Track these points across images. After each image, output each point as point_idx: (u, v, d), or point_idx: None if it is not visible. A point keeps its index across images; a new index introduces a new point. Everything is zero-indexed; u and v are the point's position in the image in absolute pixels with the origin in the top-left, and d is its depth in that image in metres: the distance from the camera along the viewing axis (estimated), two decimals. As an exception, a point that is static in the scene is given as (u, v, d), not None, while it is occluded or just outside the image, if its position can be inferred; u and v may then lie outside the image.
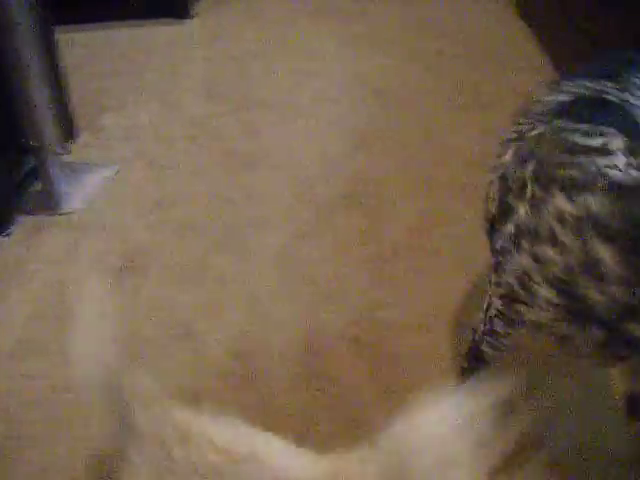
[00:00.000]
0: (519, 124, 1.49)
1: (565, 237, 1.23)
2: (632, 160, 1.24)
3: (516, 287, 1.34)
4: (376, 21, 3.97)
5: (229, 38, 3.89)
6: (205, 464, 0.99)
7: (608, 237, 1.20)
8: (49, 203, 2.54)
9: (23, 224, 2.46)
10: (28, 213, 2.50)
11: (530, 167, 1.33)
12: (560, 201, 1.24)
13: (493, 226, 1.44)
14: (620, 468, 1.58)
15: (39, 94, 2.39)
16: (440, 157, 2.71)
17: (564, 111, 1.42)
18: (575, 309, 1.27)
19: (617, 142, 1.28)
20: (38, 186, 2.60)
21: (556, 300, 1.28)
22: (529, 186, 1.31)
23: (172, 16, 4.06)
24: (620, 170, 1.23)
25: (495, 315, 1.44)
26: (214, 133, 2.99)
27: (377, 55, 3.57)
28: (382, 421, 0.98)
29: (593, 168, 1.24)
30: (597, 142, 1.29)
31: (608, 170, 1.23)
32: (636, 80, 1.52)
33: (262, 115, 3.12)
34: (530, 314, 1.35)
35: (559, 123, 1.39)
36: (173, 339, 1.99)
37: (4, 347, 1.98)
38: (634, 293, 1.21)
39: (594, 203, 1.21)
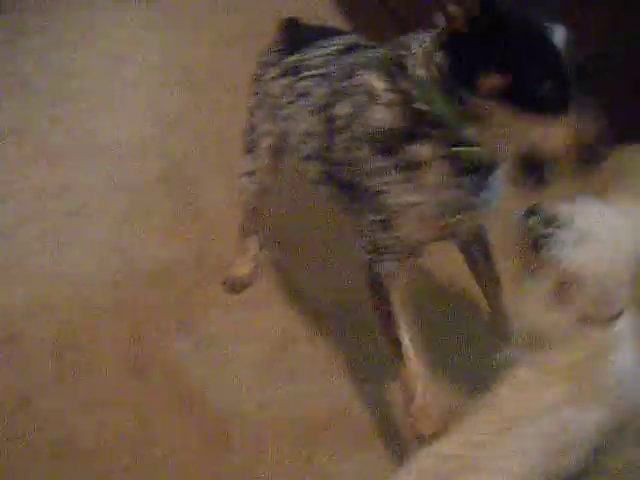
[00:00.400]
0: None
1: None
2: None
3: None
4: (185, 3, 3.96)
5: (34, 31, 3.75)
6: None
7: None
8: None
9: None
10: None
11: None
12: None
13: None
14: None
15: None
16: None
17: None
18: None
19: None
20: None
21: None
22: None
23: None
24: None
25: None
26: (23, 129, 2.91)
27: (186, 37, 3.58)
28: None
29: None
30: None
31: None
32: None
33: (72, 105, 3.06)
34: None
35: None
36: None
37: None
38: None
39: None
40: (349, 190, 1.51)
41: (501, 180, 1.44)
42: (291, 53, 1.74)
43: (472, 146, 1.33)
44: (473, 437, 1.22)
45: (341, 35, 1.76)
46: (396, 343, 1.48)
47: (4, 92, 3.18)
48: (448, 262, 1.89)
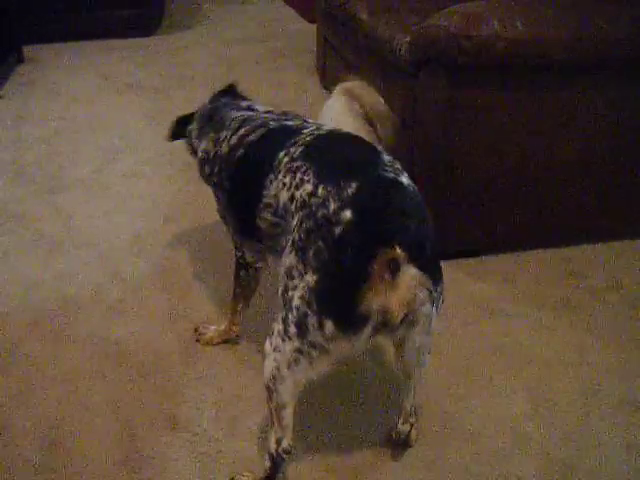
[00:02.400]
0: None
1: None
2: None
3: None
4: (185, 97, 4.09)
5: (36, 118, 3.87)
6: None
7: None
8: None
9: None
10: None
11: None
12: None
13: None
14: None
15: None
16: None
17: None
18: None
19: None
20: None
21: None
22: None
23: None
24: None
25: None
26: (21, 217, 2.96)
27: (185, 131, 3.68)
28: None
29: None
30: None
31: None
32: None
33: (71, 195, 3.13)
34: None
35: None
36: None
37: None
38: None
39: None
40: None
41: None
42: None
43: None
44: None
45: None
46: None
47: (5, 179, 3.25)
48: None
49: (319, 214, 1.50)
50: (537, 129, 2.45)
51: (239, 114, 2.07)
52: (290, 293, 1.52)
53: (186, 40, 5.02)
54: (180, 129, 2.34)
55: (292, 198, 1.61)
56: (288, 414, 1.64)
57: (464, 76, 2.31)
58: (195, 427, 1.96)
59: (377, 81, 2.92)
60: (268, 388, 1.62)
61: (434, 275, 1.49)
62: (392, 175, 1.55)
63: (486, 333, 2.31)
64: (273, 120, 1.94)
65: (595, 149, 2.55)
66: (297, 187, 1.60)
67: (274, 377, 1.58)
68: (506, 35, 2.21)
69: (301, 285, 1.49)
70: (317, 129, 1.78)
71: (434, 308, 1.53)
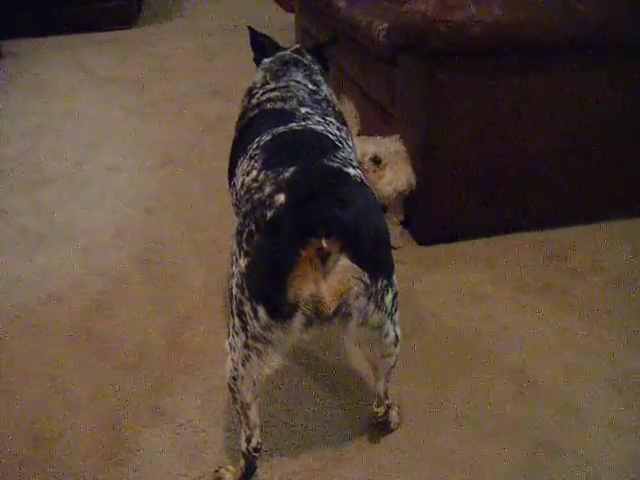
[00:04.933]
0: None
1: None
2: None
3: None
4: (165, 89, 4.08)
5: (16, 113, 3.84)
6: None
7: None
8: None
9: None
10: None
11: None
12: None
13: None
14: None
15: None
16: (223, 218, 2.82)
17: None
18: None
19: None
20: None
21: None
22: None
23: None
24: None
25: None
26: (3, 212, 2.94)
27: (165, 121, 3.68)
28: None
29: None
30: None
31: None
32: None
33: (52, 189, 3.11)
34: None
35: None
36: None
37: None
38: None
39: None
40: None
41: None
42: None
43: None
44: None
45: None
46: None
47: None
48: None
49: (255, 197, 1.47)
50: (517, 112, 2.45)
51: (290, 80, 1.99)
52: (231, 282, 1.50)
53: (166, 31, 5.00)
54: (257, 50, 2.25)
55: (242, 184, 1.60)
56: (254, 412, 1.65)
57: (442, 61, 2.31)
58: (180, 418, 1.96)
59: (356, 69, 2.93)
60: (230, 389, 1.62)
61: (374, 269, 1.44)
62: (337, 165, 1.52)
63: (468, 317, 2.32)
64: (295, 103, 1.85)
65: (575, 132, 2.56)
66: (247, 174, 1.59)
67: (234, 377, 1.58)
68: (483, 19, 2.21)
69: (237, 271, 1.47)
70: (301, 127, 1.72)
71: (372, 303, 1.47)
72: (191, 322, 2.30)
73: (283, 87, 1.95)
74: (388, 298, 1.52)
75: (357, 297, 1.44)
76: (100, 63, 4.47)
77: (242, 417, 1.67)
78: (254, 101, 1.94)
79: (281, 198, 1.41)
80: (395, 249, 2.62)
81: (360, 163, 2.53)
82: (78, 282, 2.51)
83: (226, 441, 1.89)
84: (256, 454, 1.69)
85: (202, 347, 2.20)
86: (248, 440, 1.68)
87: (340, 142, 1.70)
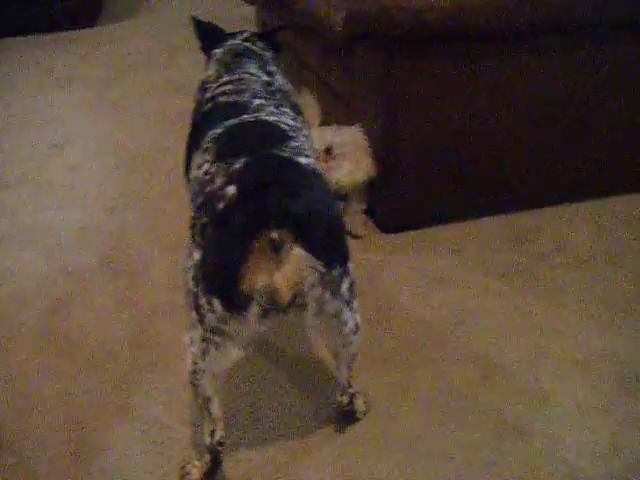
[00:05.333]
0: None
1: None
2: None
3: None
4: (128, 87, 4.04)
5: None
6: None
7: None
8: None
9: None
10: None
11: None
12: None
13: None
14: None
15: None
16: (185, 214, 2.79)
17: None
18: None
19: None
20: None
21: None
22: None
23: None
24: None
25: None
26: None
27: (128, 120, 3.64)
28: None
29: None
30: None
31: None
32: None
33: (15, 191, 3.07)
34: None
35: None
36: None
37: None
38: None
39: None
40: None
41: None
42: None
43: None
44: None
45: None
46: None
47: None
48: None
49: (207, 190, 1.47)
50: (476, 98, 2.46)
51: (244, 72, 1.97)
52: (187, 275, 1.49)
53: (128, 29, 4.95)
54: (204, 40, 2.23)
55: (196, 178, 1.59)
56: (215, 406, 1.65)
57: (399, 48, 2.30)
58: (146, 415, 1.94)
59: (315, 60, 2.92)
60: (191, 383, 1.61)
61: (328, 257, 1.43)
62: (289, 154, 1.51)
63: (434, 303, 2.32)
64: (249, 95, 1.83)
65: (536, 115, 2.57)
66: (200, 167, 1.58)
67: (194, 372, 1.57)
68: (439, 4, 2.21)
69: (191, 264, 1.47)
70: (253, 118, 1.71)
71: (327, 292, 1.47)
72: (155, 318, 2.28)
73: (237, 80, 1.93)
74: (344, 286, 1.51)
75: (312, 286, 1.44)
76: (62, 63, 4.42)
77: (204, 411, 1.65)
78: (208, 95, 1.93)
79: (232, 190, 1.40)
80: (359, 238, 2.62)
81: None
82: (41, 283, 2.48)
83: (192, 436, 1.87)
84: (220, 448, 1.68)
85: (167, 343, 2.18)
86: (212, 434, 1.67)
87: (294, 132, 1.69)
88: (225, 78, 1.97)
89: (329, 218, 1.47)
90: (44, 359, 2.15)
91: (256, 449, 1.84)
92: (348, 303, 1.56)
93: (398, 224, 2.63)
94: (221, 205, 1.41)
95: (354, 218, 2.65)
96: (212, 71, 2.05)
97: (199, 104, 1.95)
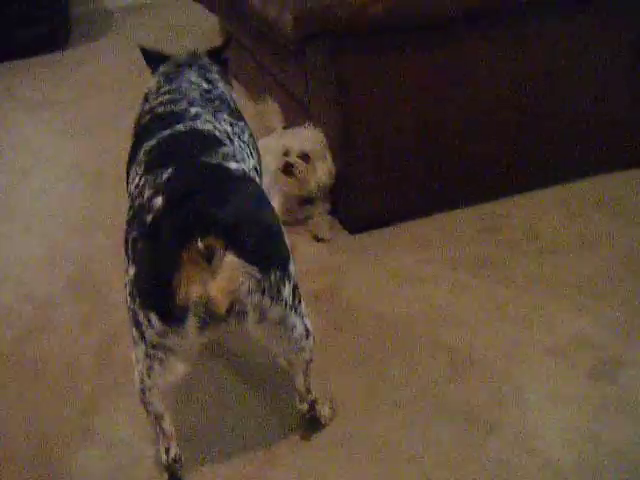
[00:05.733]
0: None
1: None
2: None
3: None
4: (97, 108, 4.02)
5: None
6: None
7: None
8: None
9: None
10: None
11: None
12: None
13: None
14: None
15: None
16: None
17: None
18: None
19: None
20: None
21: None
22: None
23: None
24: None
25: None
26: None
27: (97, 141, 3.61)
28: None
29: None
30: None
31: None
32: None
33: (-20, 220, 3.04)
34: None
35: None
36: None
37: None
38: None
39: None
40: None
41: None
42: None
43: None
44: None
45: None
46: None
47: None
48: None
49: (136, 203, 1.45)
50: (431, 88, 2.42)
51: (183, 81, 1.93)
52: (125, 293, 1.47)
53: (97, 50, 4.93)
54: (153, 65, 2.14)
55: (129, 194, 1.56)
56: (168, 423, 1.61)
57: (347, 45, 2.26)
58: (110, 436, 1.91)
59: (273, 64, 2.88)
60: (142, 401, 1.58)
61: (264, 262, 1.40)
62: (217, 161, 1.48)
63: (402, 301, 2.27)
64: (185, 104, 1.80)
65: (494, 100, 2.52)
66: (133, 181, 1.56)
67: (142, 390, 1.54)
68: (382, -3, 2.17)
69: (127, 280, 1.44)
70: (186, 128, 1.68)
71: (267, 298, 1.43)
72: (120, 338, 2.24)
73: (175, 89, 1.91)
74: (286, 290, 1.47)
75: (249, 293, 1.40)
76: (31, 88, 4.40)
77: (158, 428, 1.62)
78: (147, 107, 1.90)
79: (159, 201, 1.38)
80: (325, 241, 2.58)
81: (290, 162, 2.52)
82: (7, 311, 2.45)
83: (156, 455, 1.82)
84: (177, 465, 1.65)
85: (130, 362, 2.13)
86: (167, 451, 1.63)
87: (229, 138, 1.66)
88: (164, 88, 1.94)
89: (260, 222, 1.43)
90: (9, 386, 2.12)
91: (222, 462, 1.80)
92: (293, 308, 1.52)
93: (364, 224, 2.59)
94: (149, 217, 1.39)
95: (320, 221, 2.61)
96: (153, 82, 2.02)
97: (139, 116, 1.92)
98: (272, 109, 2.97)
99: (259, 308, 1.43)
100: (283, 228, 1.56)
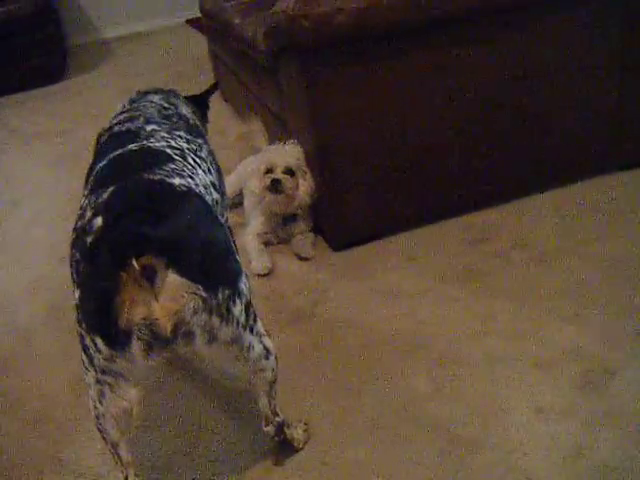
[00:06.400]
0: None
1: None
2: None
3: None
4: (89, 137, 3.99)
5: None
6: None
7: None
8: None
9: None
10: None
11: None
12: None
13: None
14: None
15: None
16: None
17: None
18: None
19: None
20: None
21: None
22: None
23: None
24: None
25: None
26: None
27: (83, 170, 3.57)
28: None
29: None
30: None
31: None
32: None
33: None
34: None
35: None
36: None
37: None
38: None
39: None
40: None
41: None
42: None
43: None
44: None
45: None
46: None
47: None
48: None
49: (78, 225, 1.40)
50: (405, 96, 2.35)
51: (144, 102, 1.93)
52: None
53: (93, 80, 4.96)
54: None
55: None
56: (124, 451, 1.54)
57: (314, 56, 2.21)
58: (81, 466, 1.86)
59: (254, 83, 2.85)
60: (97, 429, 1.51)
61: (210, 280, 1.34)
62: (160, 177, 1.43)
63: (385, 318, 2.20)
64: (142, 121, 1.77)
65: (477, 107, 2.45)
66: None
67: (97, 417, 1.48)
68: (347, 6, 2.11)
69: (74, 305, 1.38)
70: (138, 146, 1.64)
71: (215, 317, 1.37)
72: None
73: (134, 108, 1.88)
74: (237, 309, 1.41)
75: (194, 313, 1.33)
76: (26, 120, 4.42)
77: (115, 457, 1.55)
78: (106, 126, 1.87)
79: (99, 221, 1.33)
80: (308, 260, 2.52)
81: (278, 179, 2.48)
82: (-13, 342, 2.41)
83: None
84: None
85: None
86: None
87: (182, 154, 1.61)
88: (125, 109, 1.91)
89: (205, 238, 1.37)
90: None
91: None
92: (247, 327, 1.45)
93: (348, 240, 2.52)
94: (90, 239, 1.33)
95: (302, 239, 2.55)
96: (119, 107, 2.00)
97: (99, 135, 1.89)
98: (257, 128, 2.93)
99: (207, 328, 1.37)
100: (233, 245, 1.50)
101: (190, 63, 4.74)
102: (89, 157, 2.17)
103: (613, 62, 2.50)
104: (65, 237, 2.86)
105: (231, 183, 2.75)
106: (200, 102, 2.19)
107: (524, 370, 1.93)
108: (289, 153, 2.50)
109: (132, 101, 1.99)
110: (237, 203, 2.83)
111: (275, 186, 2.46)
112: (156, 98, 1.96)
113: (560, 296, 2.18)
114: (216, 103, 4.02)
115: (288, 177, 2.47)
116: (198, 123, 1.99)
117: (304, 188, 2.48)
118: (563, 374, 1.89)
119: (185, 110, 1.99)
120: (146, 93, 2.04)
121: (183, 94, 2.17)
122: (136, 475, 1.58)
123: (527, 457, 1.67)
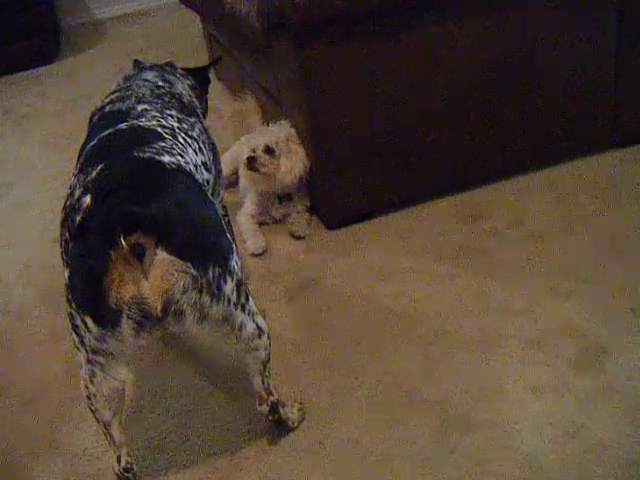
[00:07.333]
0: None
1: None
2: None
3: None
4: (83, 118, 3.96)
5: None
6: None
7: None
8: None
9: None
10: None
11: None
12: None
13: None
14: None
15: None
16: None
17: None
18: None
19: None
20: None
21: None
22: None
23: None
24: None
25: None
26: None
27: (76, 151, 3.55)
28: None
29: None
30: None
31: None
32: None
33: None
34: None
35: None
36: None
37: None
38: None
39: None
40: None
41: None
42: None
43: None
44: None
45: None
46: None
47: None
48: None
49: (67, 204, 1.40)
50: (400, 74, 2.32)
51: (137, 80, 1.91)
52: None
53: (87, 60, 4.90)
54: None
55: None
56: (116, 430, 1.54)
57: (309, 35, 2.18)
58: (75, 448, 1.86)
59: (249, 62, 2.82)
60: (89, 409, 1.52)
61: (199, 258, 1.33)
62: (149, 155, 1.42)
63: (379, 297, 2.19)
64: (133, 101, 1.75)
65: (471, 84, 2.42)
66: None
67: (88, 397, 1.48)
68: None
69: (65, 285, 1.38)
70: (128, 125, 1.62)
71: (206, 295, 1.36)
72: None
73: (127, 87, 1.86)
74: (228, 287, 1.40)
75: (185, 291, 1.33)
76: (20, 101, 4.37)
77: (107, 437, 1.55)
78: (98, 105, 1.85)
79: (87, 200, 1.32)
80: (302, 239, 2.50)
81: (253, 156, 2.47)
82: (-19, 325, 2.40)
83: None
84: (128, 474, 1.57)
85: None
86: (118, 461, 1.57)
87: (172, 133, 1.60)
88: (119, 87, 1.90)
89: (194, 216, 1.36)
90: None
91: (186, 471, 1.74)
92: (239, 305, 1.44)
93: (343, 219, 2.51)
94: (79, 217, 1.33)
95: (298, 218, 2.54)
96: (114, 85, 1.97)
97: (92, 115, 1.87)
98: (251, 107, 2.91)
99: (197, 307, 1.36)
100: (223, 222, 1.49)
101: (184, 42, 4.69)
102: (83, 138, 2.18)
103: (610, 38, 2.47)
104: (58, 218, 2.87)
105: (225, 163, 2.73)
106: (201, 75, 2.16)
107: (519, 348, 1.92)
108: (272, 132, 2.49)
109: (126, 79, 1.96)
110: (232, 182, 2.82)
111: (251, 164, 2.45)
112: (150, 76, 1.94)
113: (555, 274, 2.16)
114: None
115: (266, 156, 2.45)
116: (194, 100, 1.97)
117: (284, 168, 2.46)
118: (558, 352, 1.88)
119: (181, 86, 1.96)
120: (142, 69, 2.02)
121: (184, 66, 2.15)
122: (129, 455, 1.57)
123: (522, 436, 1.67)
